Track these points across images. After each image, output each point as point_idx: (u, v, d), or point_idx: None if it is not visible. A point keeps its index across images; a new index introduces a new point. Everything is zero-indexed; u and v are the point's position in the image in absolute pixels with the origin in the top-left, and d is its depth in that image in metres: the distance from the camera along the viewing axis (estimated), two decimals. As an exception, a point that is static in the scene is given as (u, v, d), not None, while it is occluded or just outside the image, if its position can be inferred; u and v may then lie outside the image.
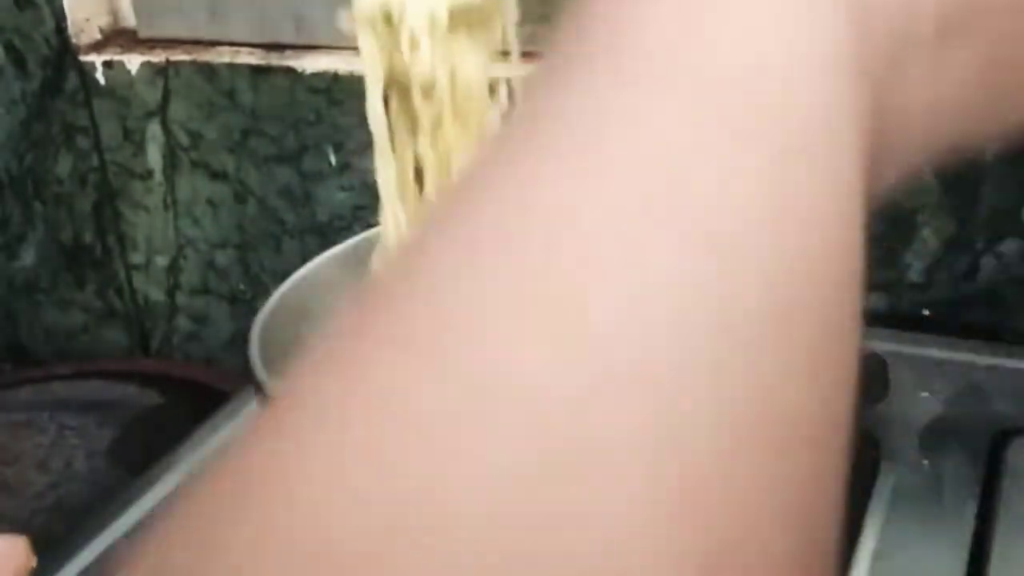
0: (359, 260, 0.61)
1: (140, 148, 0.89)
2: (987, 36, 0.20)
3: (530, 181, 0.16)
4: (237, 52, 0.84)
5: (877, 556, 0.49)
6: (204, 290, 0.93)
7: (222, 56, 0.84)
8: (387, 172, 0.48)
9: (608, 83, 0.17)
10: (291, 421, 0.16)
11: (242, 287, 0.91)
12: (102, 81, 0.88)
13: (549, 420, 0.14)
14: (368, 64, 0.47)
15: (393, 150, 0.48)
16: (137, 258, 0.95)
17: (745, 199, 0.16)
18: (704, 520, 0.15)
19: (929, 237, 0.66)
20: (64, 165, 0.94)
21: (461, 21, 0.47)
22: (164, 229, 0.92)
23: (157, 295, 0.95)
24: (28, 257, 0.99)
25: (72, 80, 0.89)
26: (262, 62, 0.82)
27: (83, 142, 0.92)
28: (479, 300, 0.16)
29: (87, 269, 0.97)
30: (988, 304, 0.66)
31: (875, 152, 0.18)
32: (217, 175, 0.87)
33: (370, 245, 0.61)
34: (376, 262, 0.56)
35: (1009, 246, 0.65)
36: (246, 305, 0.91)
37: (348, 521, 0.14)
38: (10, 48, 0.91)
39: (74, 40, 0.89)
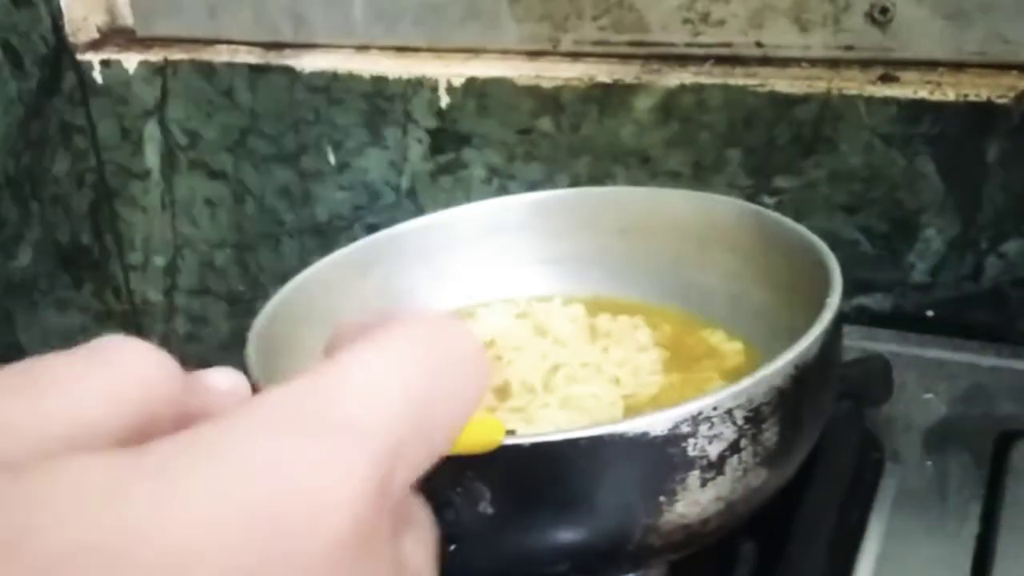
0: (357, 264, 0.60)
1: (138, 148, 0.89)
2: None
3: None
4: (236, 51, 0.84)
5: (881, 557, 0.49)
6: (202, 290, 0.92)
7: (220, 55, 0.83)
8: None
9: None
10: None
11: (240, 287, 0.90)
12: (99, 80, 0.88)
13: None
14: None
15: None
16: (135, 258, 0.94)
17: None
18: None
19: (933, 238, 0.66)
20: (61, 165, 0.93)
21: None
22: (162, 229, 0.92)
23: (155, 295, 0.95)
24: (25, 257, 0.99)
25: (69, 79, 0.89)
26: (261, 61, 0.82)
27: (80, 142, 0.91)
28: None
29: (84, 269, 0.97)
30: (992, 305, 0.66)
31: None
32: (215, 175, 0.87)
33: (369, 249, 0.61)
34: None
35: (1013, 247, 0.64)
36: (244, 305, 0.90)
37: None
38: (7, 47, 0.90)
39: (71, 39, 0.88)
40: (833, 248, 0.50)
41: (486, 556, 0.43)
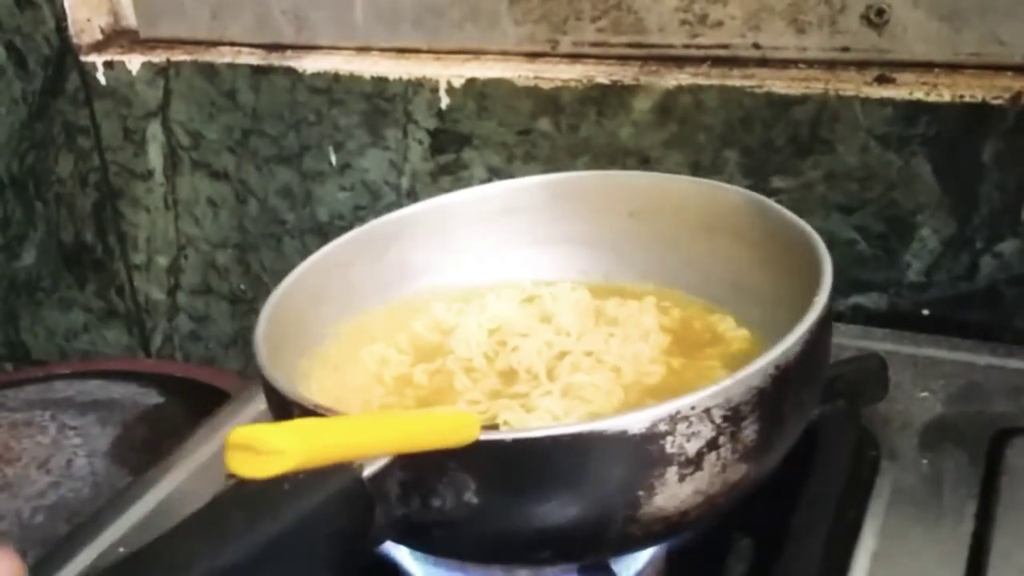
0: (375, 242, 0.62)
1: (141, 148, 0.89)
2: None
3: None
4: (238, 52, 0.84)
5: (877, 555, 0.49)
6: (205, 290, 0.93)
7: (223, 56, 0.84)
8: None
9: None
10: None
11: (242, 287, 0.91)
12: (103, 81, 0.88)
13: None
14: None
15: None
16: (138, 258, 0.95)
17: None
18: None
19: (929, 237, 0.66)
20: (65, 165, 0.94)
21: None
22: (165, 229, 0.92)
23: (158, 295, 0.95)
24: (29, 257, 1.00)
25: (73, 80, 0.89)
26: (263, 62, 0.82)
27: (84, 142, 0.92)
28: None
29: (88, 269, 0.98)
30: (987, 304, 0.66)
31: None
32: (218, 175, 0.87)
33: (386, 228, 0.62)
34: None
35: (1008, 246, 0.65)
36: (246, 305, 0.91)
37: None
38: (11, 48, 0.91)
39: (75, 40, 0.89)
40: (830, 248, 0.50)
41: (472, 542, 0.44)
